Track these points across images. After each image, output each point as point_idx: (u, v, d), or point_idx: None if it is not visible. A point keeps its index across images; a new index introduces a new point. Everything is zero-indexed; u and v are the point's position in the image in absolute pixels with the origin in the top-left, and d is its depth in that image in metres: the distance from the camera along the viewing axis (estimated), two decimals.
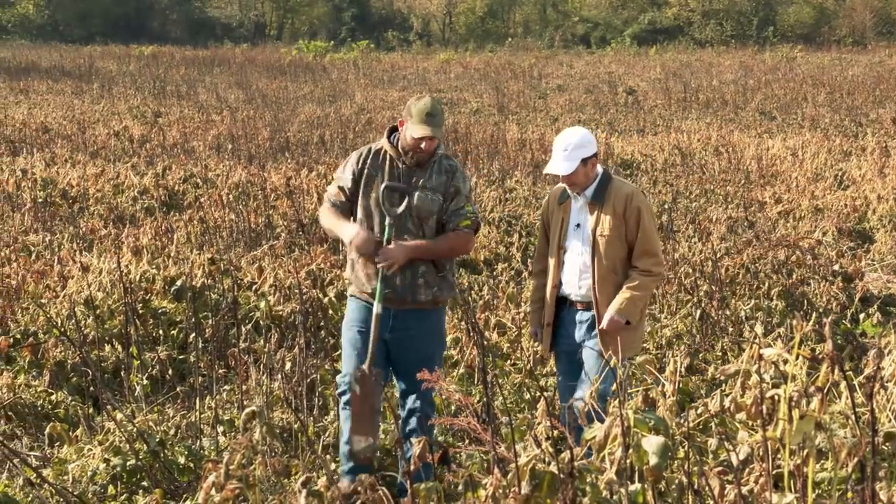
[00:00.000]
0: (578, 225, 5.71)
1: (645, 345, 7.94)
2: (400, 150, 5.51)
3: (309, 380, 6.47)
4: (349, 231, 5.45)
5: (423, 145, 5.43)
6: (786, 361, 3.40)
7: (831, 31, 54.50)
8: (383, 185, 5.43)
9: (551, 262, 5.79)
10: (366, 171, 5.52)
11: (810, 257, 9.95)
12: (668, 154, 18.42)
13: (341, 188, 5.57)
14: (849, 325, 8.48)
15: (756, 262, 9.72)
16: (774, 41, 51.79)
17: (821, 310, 8.66)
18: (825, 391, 3.28)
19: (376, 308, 5.35)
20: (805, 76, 33.78)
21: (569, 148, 5.57)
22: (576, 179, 5.63)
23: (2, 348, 7.40)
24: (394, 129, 5.62)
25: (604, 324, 5.57)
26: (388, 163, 5.53)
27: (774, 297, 8.77)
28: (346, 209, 5.59)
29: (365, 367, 5.28)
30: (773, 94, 29.23)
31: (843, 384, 3.37)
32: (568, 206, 5.77)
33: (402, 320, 5.47)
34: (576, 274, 5.70)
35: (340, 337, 5.74)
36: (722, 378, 3.69)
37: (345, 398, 5.44)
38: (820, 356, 3.38)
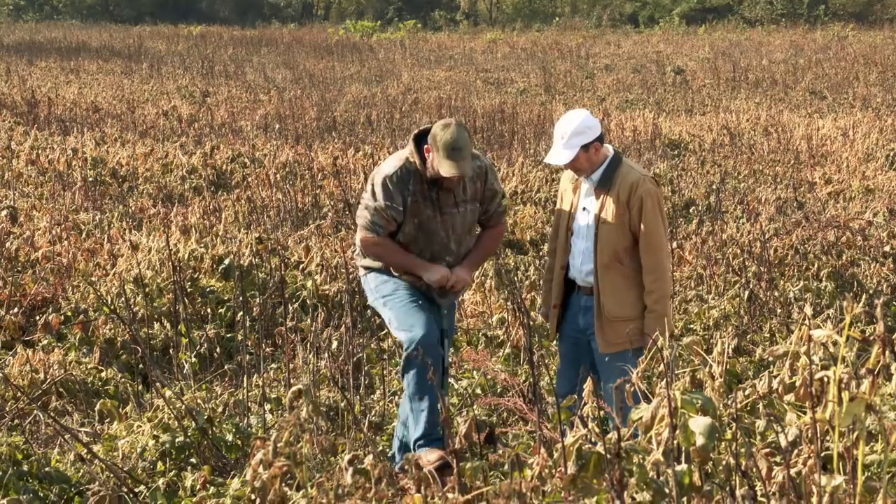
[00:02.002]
0: (585, 208, 5.49)
1: (692, 325, 7.90)
2: (427, 175, 5.41)
3: (355, 359, 6.50)
4: (435, 273, 5.45)
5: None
6: (835, 343, 3.37)
7: (884, 10, 53.55)
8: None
9: (560, 243, 5.62)
10: (409, 197, 5.41)
11: (860, 238, 9.83)
12: (716, 134, 18.26)
13: (393, 217, 5.41)
14: None
15: (805, 243, 9.62)
16: (825, 20, 51.02)
17: (871, 291, 8.56)
18: (876, 373, 3.25)
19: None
20: (857, 55, 33.24)
21: (566, 136, 5.31)
22: (578, 166, 5.40)
23: (53, 326, 7.50)
24: (421, 136, 5.45)
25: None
26: (423, 185, 5.44)
27: (824, 279, 8.68)
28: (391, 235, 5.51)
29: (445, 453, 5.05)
30: (823, 73, 28.82)
31: (893, 366, 3.33)
32: (579, 187, 5.55)
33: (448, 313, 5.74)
34: (579, 258, 5.51)
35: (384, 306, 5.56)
36: (770, 359, 3.67)
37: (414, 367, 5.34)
38: (870, 338, 3.35)
